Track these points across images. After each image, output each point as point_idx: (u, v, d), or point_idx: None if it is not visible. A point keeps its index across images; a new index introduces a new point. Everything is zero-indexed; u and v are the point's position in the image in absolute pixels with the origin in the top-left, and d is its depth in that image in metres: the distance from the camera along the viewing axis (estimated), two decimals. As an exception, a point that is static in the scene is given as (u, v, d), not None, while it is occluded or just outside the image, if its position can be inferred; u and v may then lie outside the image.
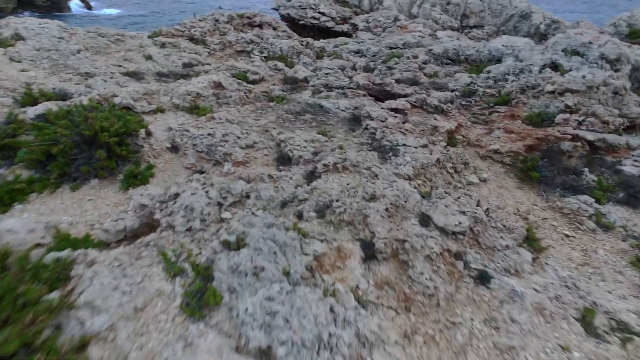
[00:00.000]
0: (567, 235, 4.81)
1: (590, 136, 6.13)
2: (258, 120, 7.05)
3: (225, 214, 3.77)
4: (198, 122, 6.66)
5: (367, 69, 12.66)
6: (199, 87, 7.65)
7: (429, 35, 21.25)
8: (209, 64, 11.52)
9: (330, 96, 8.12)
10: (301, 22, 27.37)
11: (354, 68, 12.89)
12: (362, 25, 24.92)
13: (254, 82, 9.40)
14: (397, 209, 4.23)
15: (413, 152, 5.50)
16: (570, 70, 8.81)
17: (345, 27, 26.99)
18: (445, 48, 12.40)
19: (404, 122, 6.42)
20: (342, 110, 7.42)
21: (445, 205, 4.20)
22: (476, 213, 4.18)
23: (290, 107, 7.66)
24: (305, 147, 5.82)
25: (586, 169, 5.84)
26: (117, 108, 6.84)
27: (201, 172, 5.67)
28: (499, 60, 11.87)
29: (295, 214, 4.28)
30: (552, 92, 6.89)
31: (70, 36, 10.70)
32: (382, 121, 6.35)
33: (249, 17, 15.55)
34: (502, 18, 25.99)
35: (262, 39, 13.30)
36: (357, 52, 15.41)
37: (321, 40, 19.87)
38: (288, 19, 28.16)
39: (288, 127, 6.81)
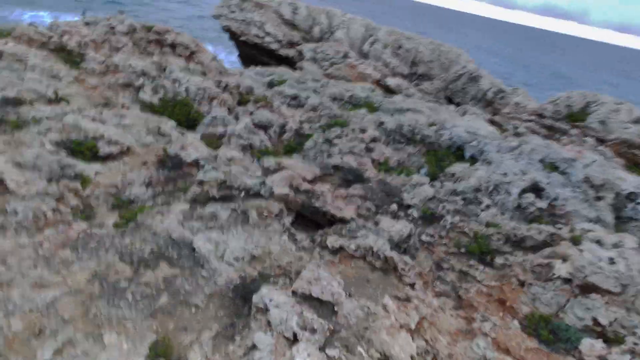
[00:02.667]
0: None
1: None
2: (44, 289, 3.49)
3: None
4: None
5: (300, 134, 9.69)
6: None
7: (379, 83, 19.29)
8: (63, 100, 7.60)
9: (220, 218, 4.83)
10: (242, 39, 24.02)
11: (283, 129, 9.85)
12: (309, 54, 22.35)
13: (107, 158, 5.77)
14: None
15: None
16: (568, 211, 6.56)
17: (291, 53, 24.23)
18: (399, 123, 9.82)
19: (331, 334, 3.34)
20: (229, 265, 4.16)
21: None
22: None
23: (136, 243, 4.19)
24: None
25: None
26: None
27: None
28: (459, 149, 9.66)
29: None
30: (567, 281, 4.34)
31: None
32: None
33: (158, 33, 11.77)
34: (451, 74, 25.19)
35: (163, 70, 9.64)
36: (294, 99, 12.46)
37: (257, 68, 16.63)
38: (229, 32, 24.66)
39: (102, 318, 3.37)
